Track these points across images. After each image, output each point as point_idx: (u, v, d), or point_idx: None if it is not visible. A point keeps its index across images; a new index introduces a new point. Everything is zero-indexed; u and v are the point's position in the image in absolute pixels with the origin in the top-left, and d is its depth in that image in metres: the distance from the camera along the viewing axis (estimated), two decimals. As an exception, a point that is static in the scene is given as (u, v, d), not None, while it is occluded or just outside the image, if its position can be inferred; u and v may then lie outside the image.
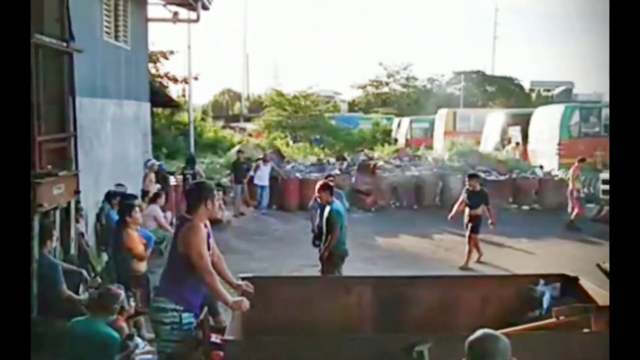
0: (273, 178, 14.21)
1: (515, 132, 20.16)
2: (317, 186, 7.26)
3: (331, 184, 7.50)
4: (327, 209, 6.99)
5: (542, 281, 4.93)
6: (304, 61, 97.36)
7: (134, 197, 8.06)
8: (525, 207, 14.75)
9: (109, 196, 8.03)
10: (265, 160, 14.08)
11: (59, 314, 4.96)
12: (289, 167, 16.07)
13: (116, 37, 10.15)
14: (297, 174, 15.11)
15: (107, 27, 9.62)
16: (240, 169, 13.93)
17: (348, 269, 8.93)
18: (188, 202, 4.32)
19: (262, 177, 13.83)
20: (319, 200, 7.29)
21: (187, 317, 4.13)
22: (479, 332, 2.68)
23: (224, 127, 30.37)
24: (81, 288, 5.56)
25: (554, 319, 4.25)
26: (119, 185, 8.64)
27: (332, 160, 17.32)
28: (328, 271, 7.02)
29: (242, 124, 34.17)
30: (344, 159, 17.23)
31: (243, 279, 4.77)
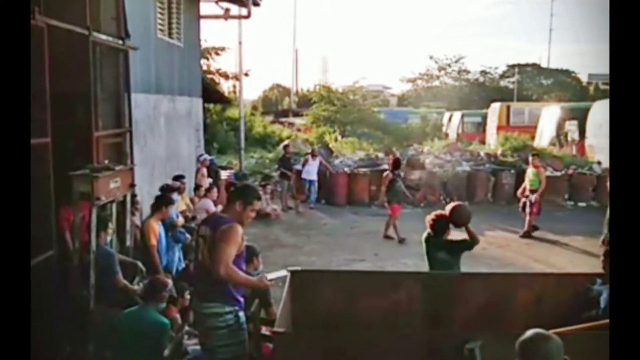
0: (321, 172, 14.24)
1: (571, 127, 19.52)
2: None
3: None
4: None
5: (599, 280, 4.75)
6: (353, 56, 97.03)
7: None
8: (582, 204, 14.27)
9: (163, 190, 8.21)
10: (313, 155, 14.10)
11: (115, 304, 5.11)
12: (337, 161, 16.06)
13: (169, 35, 10.38)
14: (346, 169, 15.09)
15: (160, 24, 9.83)
16: (286, 164, 14.03)
17: (398, 264, 8.93)
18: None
19: (311, 171, 13.85)
20: None
21: (242, 316, 4.04)
22: (530, 332, 2.62)
23: (273, 122, 30.65)
24: (136, 279, 5.71)
25: (611, 320, 4.09)
26: (178, 176, 8.78)
27: (381, 155, 17.19)
28: None
29: (290, 119, 34.38)
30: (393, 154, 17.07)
31: (292, 272, 4.80)
